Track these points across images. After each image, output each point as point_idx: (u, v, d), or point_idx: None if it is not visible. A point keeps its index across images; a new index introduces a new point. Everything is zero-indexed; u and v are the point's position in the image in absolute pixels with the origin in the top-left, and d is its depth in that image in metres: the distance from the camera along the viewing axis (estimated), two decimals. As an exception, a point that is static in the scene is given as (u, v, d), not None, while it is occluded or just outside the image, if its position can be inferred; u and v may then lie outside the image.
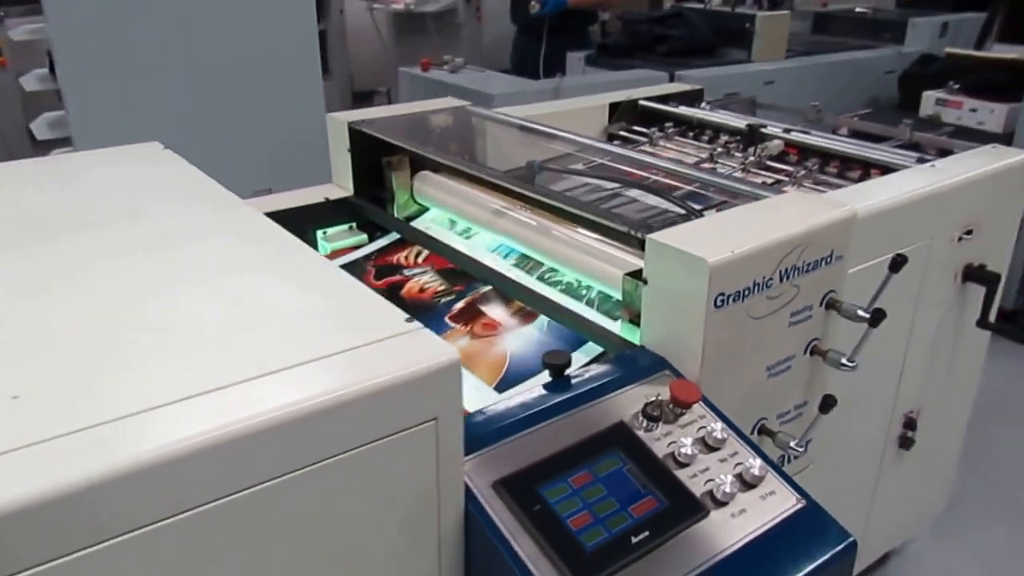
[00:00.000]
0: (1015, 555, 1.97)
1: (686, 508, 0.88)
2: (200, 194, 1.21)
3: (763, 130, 1.79)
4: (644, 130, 1.94)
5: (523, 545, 0.82)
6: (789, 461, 1.22)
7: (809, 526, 0.92)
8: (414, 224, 1.63)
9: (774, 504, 0.92)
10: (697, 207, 1.26)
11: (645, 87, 2.17)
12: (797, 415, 1.24)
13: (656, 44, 3.17)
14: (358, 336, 0.80)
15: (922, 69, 3.22)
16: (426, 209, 1.68)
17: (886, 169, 1.57)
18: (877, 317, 1.12)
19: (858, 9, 3.96)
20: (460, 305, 1.37)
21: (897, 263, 1.17)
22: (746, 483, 0.93)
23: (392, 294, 1.44)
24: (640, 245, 1.08)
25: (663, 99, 2.07)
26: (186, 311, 0.86)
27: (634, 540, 0.84)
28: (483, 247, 1.51)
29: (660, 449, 0.94)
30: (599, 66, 3.23)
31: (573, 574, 0.79)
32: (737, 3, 3.29)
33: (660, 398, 0.98)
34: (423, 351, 0.78)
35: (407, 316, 0.84)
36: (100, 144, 1.45)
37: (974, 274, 1.53)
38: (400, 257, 1.57)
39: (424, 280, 1.51)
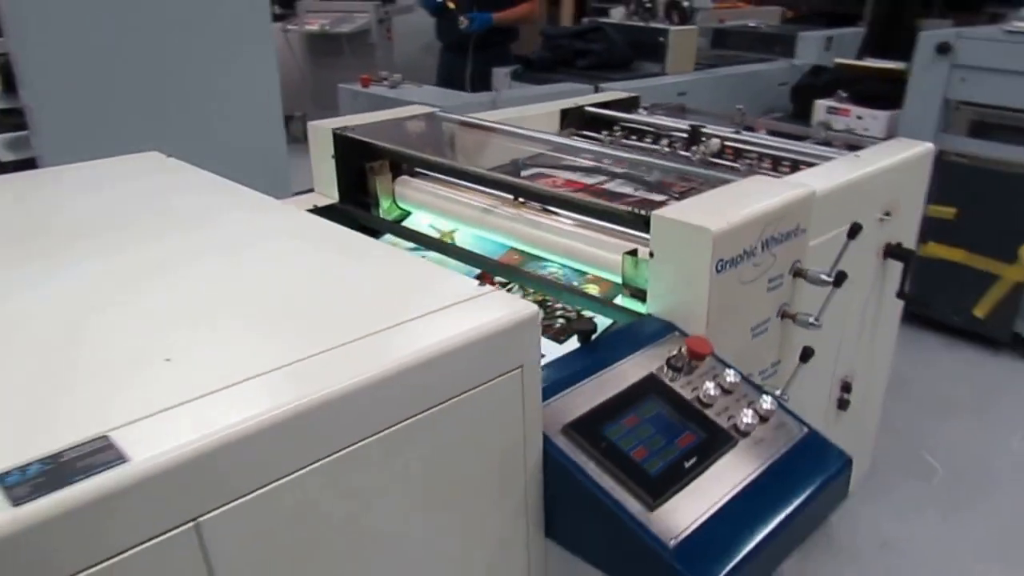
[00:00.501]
0: (932, 509, 2.22)
1: (719, 439, 1.04)
2: (238, 198, 1.29)
3: (703, 131, 1.99)
4: (594, 134, 2.11)
5: (600, 477, 0.95)
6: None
7: (814, 449, 1.10)
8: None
9: (785, 433, 1.09)
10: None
11: (583, 96, 2.34)
12: (773, 372, 1.42)
13: (577, 58, 3.37)
14: (446, 298, 0.91)
15: (813, 80, 3.56)
16: (408, 214, 1.78)
17: (810, 164, 1.79)
18: (840, 279, 1.32)
19: (751, 24, 4.31)
20: None
21: (854, 231, 1.37)
22: (761, 417, 1.09)
23: None
24: (644, 224, 1.23)
25: (604, 106, 2.25)
26: (303, 291, 0.96)
27: (686, 465, 0.98)
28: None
29: (687, 394, 1.09)
30: (524, 80, 3.40)
31: (648, 495, 0.93)
32: (650, 18, 3.54)
33: (681, 352, 1.13)
34: (506, 307, 0.90)
35: (479, 282, 0.96)
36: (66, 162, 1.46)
37: (893, 251, 1.76)
38: None
39: None
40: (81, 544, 0.62)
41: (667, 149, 1.99)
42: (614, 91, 2.65)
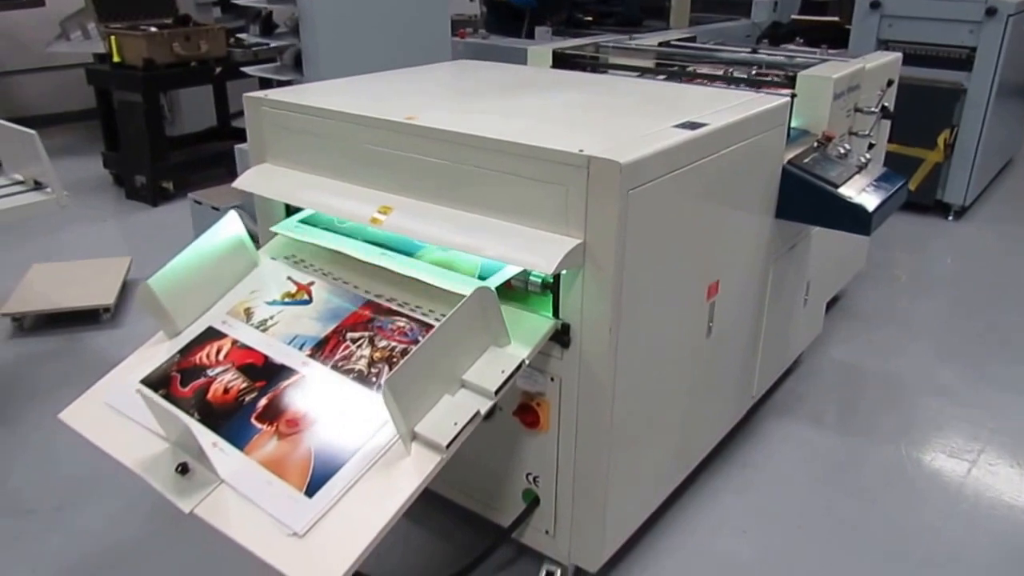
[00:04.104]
0: (903, 297, 3.65)
1: (853, 167, 2.35)
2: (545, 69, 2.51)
3: (759, 49, 3.32)
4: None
5: (813, 178, 2.23)
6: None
7: (891, 174, 2.43)
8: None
9: (878, 167, 2.42)
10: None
11: (665, 35, 3.63)
12: (843, 167, 2.76)
13: (605, 18, 4.67)
14: (748, 96, 2.17)
15: (774, 31, 5.00)
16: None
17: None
18: (885, 113, 2.67)
19: (716, -8, 5.78)
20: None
21: (890, 82, 2.72)
22: (867, 161, 2.41)
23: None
24: (791, 80, 2.52)
25: (681, 40, 3.55)
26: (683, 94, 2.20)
27: (845, 175, 2.29)
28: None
29: (831, 152, 2.39)
30: (564, 35, 4.66)
31: (834, 183, 2.23)
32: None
33: (823, 136, 2.43)
34: (775, 98, 2.17)
35: (757, 88, 2.23)
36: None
37: (886, 113, 3.13)
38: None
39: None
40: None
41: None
42: (642, 40, 3.94)
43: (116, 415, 1.80)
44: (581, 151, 1.59)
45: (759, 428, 2.66)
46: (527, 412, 1.84)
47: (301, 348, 1.80)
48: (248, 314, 1.95)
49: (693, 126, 1.83)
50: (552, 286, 1.72)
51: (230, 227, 2.06)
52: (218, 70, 4.90)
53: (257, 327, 1.90)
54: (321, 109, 2.00)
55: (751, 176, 2.14)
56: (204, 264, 2.00)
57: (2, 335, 3.24)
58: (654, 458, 2.07)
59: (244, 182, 2.15)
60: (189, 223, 3.98)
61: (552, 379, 1.80)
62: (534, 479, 1.90)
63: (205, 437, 1.63)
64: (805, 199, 2.26)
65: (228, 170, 4.77)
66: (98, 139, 5.30)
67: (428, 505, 2.02)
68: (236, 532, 1.50)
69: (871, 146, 2.71)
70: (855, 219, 2.21)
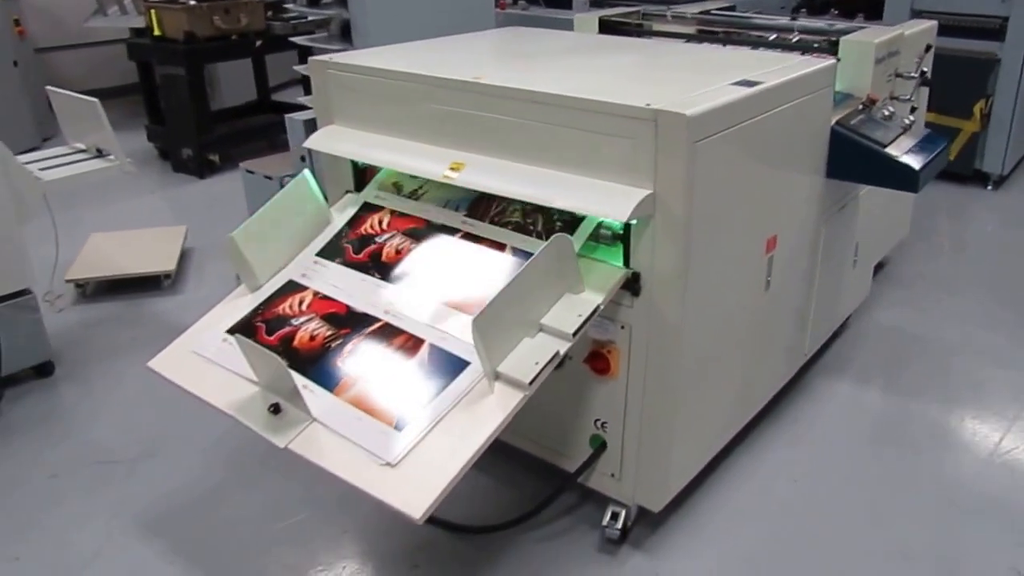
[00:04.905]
0: (944, 257, 3.72)
1: (901, 128, 2.42)
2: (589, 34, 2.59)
3: (795, 15, 3.38)
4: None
5: (861, 137, 2.31)
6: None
7: (933, 136, 2.50)
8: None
9: (920, 127, 2.49)
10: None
11: (703, 4, 3.70)
12: (888, 129, 2.83)
13: (640, -12, 4.73)
14: (793, 58, 2.25)
15: (810, 1, 5.04)
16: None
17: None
18: (924, 79, 2.73)
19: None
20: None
21: (928, 47, 2.79)
22: (910, 122, 2.48)
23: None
24: (833, 45, 2.59)
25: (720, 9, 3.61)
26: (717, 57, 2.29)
27: (891, 136, 2.36)
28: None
29: (875, 115, 2.47)
30: (600, 6, 4.72)
31: (881, 143, 2.30)
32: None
33: (867, 99, 2.50)
34: (818, 61, 2.25)
35: (800, 52, 2.31)
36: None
37: (925, 79, 3.19)
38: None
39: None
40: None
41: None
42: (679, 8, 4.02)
43: (204, 362, 1.93)
44: (648, 105, 1.68)
45: (809, 386, 2.76)
46: (598, 359, 1.94)
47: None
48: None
49: (749, 84, 1.91)
50: (622, 236, 1.81)
51: (304, 186, 2.17)
52: (258, 43, 5.00)
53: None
54: (389, 71, 2.10)
55: (803, 135, 2.22)
56: (281, 220, 2.12)
57: (67, 301, 3.37)
58: (716, 404, 2.17)
59: (314, 142, 2.25)
60: (238, 193, 4.09)
61: (622, 327, 1.90)
62: (602, 424, 2.01)
63: (295, 380, 1.74)
64: (854, 158, 2.34)
65: (270, 142, 4.93)
66: (139, 114, 5.44)
67: (495, 455, 2.12)
68: (331, 464, 1.61)
69: (913, 110, 2.78)
70: (903, 177, 2.30)
